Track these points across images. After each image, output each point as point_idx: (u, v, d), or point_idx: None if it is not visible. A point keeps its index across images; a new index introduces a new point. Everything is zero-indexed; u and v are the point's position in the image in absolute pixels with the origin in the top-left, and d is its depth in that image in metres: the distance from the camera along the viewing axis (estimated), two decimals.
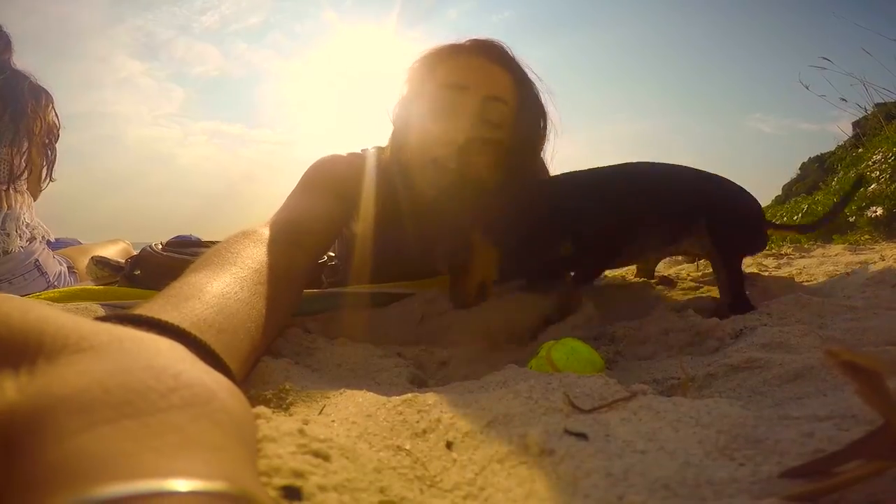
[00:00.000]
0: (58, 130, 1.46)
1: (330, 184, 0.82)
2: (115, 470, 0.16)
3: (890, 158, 1.98)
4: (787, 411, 0.28)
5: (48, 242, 1.50)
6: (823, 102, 3.32)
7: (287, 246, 0.60)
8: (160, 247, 0.99)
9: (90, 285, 1.00)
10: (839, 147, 3.53)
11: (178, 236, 1.69)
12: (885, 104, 3.16)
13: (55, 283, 1.41)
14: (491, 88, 0.81)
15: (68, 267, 1.52)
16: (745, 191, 0.91)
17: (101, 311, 0.70)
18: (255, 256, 0.53)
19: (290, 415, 0.40)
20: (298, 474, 0.21)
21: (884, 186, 1.74)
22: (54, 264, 1.45)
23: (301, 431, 0.27)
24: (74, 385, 0.19)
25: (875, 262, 0.94)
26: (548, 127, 0.89)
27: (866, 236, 1.37)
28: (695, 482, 0.22)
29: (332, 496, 0.21)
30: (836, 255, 1.19)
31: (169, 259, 0.94)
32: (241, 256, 0.52)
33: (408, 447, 0.31)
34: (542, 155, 0.91)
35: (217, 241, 1.22)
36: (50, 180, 1.49)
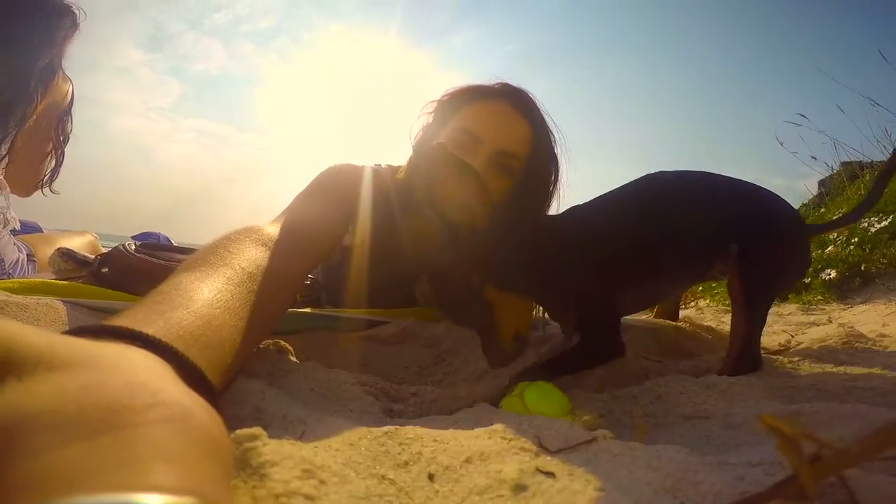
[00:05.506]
0: (69, 132, 1.34)
1: (339, 194, 0.81)
2: (83, 485, 0.16)
3: None
4: (725, 458, 0.32)
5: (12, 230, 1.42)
6: (795, 158, 3.39)
7: (288, 250, 0.58)
8: (133, 247, 0.95)
9: (50, 277, 0.95)
10: (803, 205, 3.56)
11: (144, 233, 1.62)
12: (850, 163, 3.20)
13: (10, 272, 1.32)
14: (505, 143, 0.82)
15: (28, 254, 1.42)
16: (782, 201, 0.75)
17: (62, 308, 0.68)
18: (253, 259, 0.52)
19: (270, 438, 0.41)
20: (310, 497, 0.24)
21: (839, 249, 1.85)
22: (13, 251, 1.35)
23: (299, 457, 0.30)
24: (47, 402, 0.19)
25: (823, 324, 1.02)
26: (557, 182, 0.90)
27: (819, 297, 1.46)
28: None
29: None
30: (788, 314, 1.28)
31: (141, 261, 0.90)
32: (238, 257, 0.51)
33: (391, 476, 0.34)
34: (547, 208, 0.91)
35: (185, 244, 1.18)
36: (50, 184, 1.37)
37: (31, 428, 0.18)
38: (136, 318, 0.34)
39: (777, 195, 0.76)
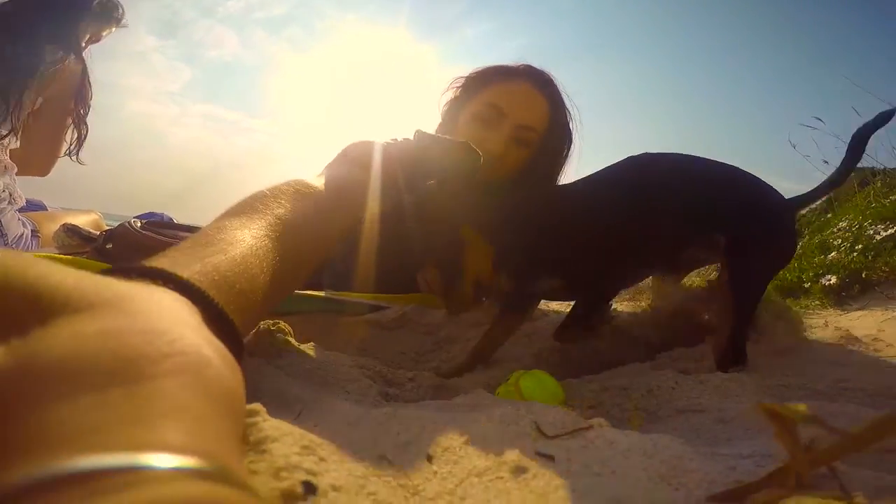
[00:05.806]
0: (88, 104, 1.37)
1: (363, 167, 0.82)
2: (90, 441, 0.16)
3: (854, 227, 2.05)
4: (718, 449, 0.33)
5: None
6: (807, 162, 3.30)
7: (331, 207, 0.59)
8: (138, 224, 0.96)
9: (54, 252, 0.95)
10: (810, 210, 3.49)
11: (149, 213, 1.64)
12: (862, 169, 3.16)
13: (13, 246, 1.34)
14: (525, 118, 0.92)
15: (32, 230, 1.45)
16: (768, 187, 0.73)
17: None
18: (297, 211, 0.52)
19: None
20: (311, 472, 0.24)
21: (843, 255, 1.82)
22: (17, 226, 1.37)
23: (299, 433, 0.30)
24: (63, 350, 0.18)
25: (819, 327, 1.02)
26: (570, 154, 1.02)
27: (816, 303, 1.46)
28: (641, 500, 0.26)
29: (341, 496, 0.24)
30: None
31: (146, 238, 0.91)
32: (283, 209, 0.51)
33: (390, 457, 0.34)
34: (557, 176, 1.03)
35: (190, 224, 1.20)
36: (77, 153, 1.41)
37: (44, 377, 0.17)
38: (176, 259, 0.34)
39: (762, 181, 0.74)
